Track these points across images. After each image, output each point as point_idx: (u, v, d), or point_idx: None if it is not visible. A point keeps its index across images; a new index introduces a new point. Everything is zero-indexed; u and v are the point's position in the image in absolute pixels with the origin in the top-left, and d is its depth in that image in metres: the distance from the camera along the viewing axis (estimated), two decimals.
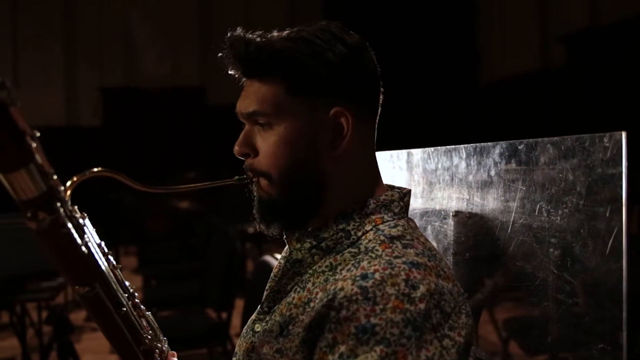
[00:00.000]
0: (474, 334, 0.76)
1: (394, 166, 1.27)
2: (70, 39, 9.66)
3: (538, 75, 7.56)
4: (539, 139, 0.89)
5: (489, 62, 8.85)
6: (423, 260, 0.75)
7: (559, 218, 0.85)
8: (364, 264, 0.75)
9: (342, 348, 0.68)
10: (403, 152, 1.24)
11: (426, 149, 1.16)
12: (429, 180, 1.15)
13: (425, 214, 1.15)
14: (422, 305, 0.69)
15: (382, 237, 0.79)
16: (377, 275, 0.71)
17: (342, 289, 0.71)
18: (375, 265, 0.73)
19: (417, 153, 1.19)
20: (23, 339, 3.16)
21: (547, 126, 6.63)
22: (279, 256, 2.14)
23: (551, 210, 0.86)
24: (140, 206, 6.94)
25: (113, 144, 9.43)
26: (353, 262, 0.77)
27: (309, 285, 0.81)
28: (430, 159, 1.14)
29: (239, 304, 3.17)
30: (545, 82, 7.35)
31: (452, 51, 8.77)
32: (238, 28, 0.83)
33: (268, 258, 2.14)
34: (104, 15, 9.88)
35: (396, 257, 0.74)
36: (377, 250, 0.77)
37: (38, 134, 0.61)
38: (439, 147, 1.12)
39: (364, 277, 0.71)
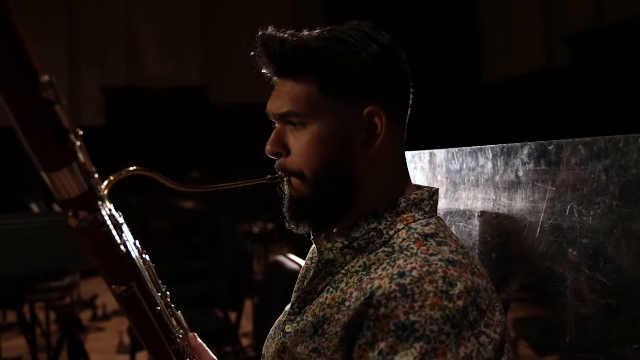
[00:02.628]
0: (506, 332, 0.76)
1: (416, 166, 1.26)
2: (72, 39, 9.66)
3: (542, 75, 7.56)
4: (570, 140, 0.89)
5: (493, 62, 8.85)
6: (458, 258, 0.75)
7: (590, 219, 0.85)
8: (400, 262, 0.75)
9: (382, 345, 0.69)
10: (425, 152, 1.24)
11: (450, 149, 1.15)
12: (452, 180, 1.15)
13: (449, 213, 1.15)
14: (460, 303, 0.69)
15: (415, 235, 0.79)
16: (414, 273, 0.71)
17: (379, 287, 0.72)
18: (411, 263, 0.73)
19: (440, 153, 1.19)
20: (33, 338, 3.15)
21: (551, 127, 6.63)
22: (291, 256, 2.15)
23: (582, 210, 0.86)
24: (143, 206, 6.94)
25: (116, 144, 9.43)
26: (388, 260, 0.77)
27: (342, 285, 0.81)
28: (454, 159, 1.14)
29: (246, 304, 3.17)
30: (549, 83, 7.34)
31: (455, 51, 8.77)
32: (269, 27, 0.83)
33: (281, 258, 2.14)
34: (106, 15, 9.88)
35: (432, 254, 0.74)
36: (412, 248, 0.77)
37: (81, 132, 0.61)
38: (464, 148, 1.12)
39: (401, 274, 0.71)
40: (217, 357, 0.98)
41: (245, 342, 3.72)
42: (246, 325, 3.78)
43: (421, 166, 1.25)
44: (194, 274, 4.36)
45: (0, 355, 2.67)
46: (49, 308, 3.67)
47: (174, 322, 0.85)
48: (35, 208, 3.86)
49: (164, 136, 9.94)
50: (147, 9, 10.07)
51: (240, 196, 6.18)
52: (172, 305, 0.86)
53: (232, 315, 3.13)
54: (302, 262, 2.02)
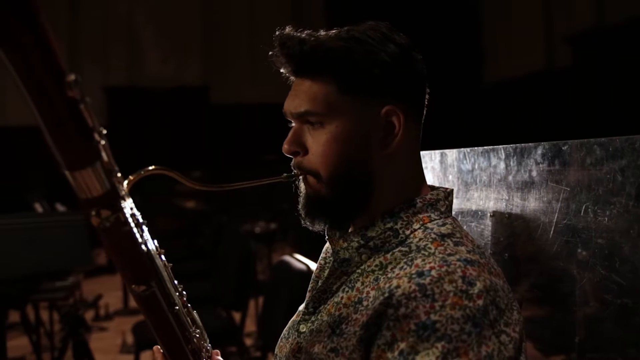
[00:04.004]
0: (524, 331, 0.76)
1: (426, 166, 1.26)
2: (74, 38, 9.66)
3: (544, 75, 7.56)
4: (585, 140, 0.89)
5: (495, 62, 8.85)
6: (476, 258, 0.75)
7: (606, 219, 0.85)
8: (418, 261, 0.75)
9: (402, 345, 0.69)
10: (436, 153, 1.24)
11: (461, 149, 1.15)
12: (464, 180, 1.15)
13: (460, 213, 1.15)
14: (480, 302, 0.69)
15: (432, 235, 0.79)
16: (433, 273, 0.71)
17: (398, 286, 0.72)
18: (430, 262, 0.73)
19: (451, 153, 1.19)
20: (37, 338, 3.15)
21: (553, 127, 6.63)
22: (298, 256, 2.15)
23: (598, 211, 0.86)
24: (145, 206, 6.92)
25: (117, 143, 9.39)
26: (405, 260, 0.77)
27: (358, 284, 0.81)
28: (466, 159, 1.14)
29: (250, 304, 3.17)
30: (551, 83, 7.35)
31: (457, 51, 8.78)
32: (287, 27, 0.83)
33: (287, 258, 2.14)
34: (107, 16, 9.89)
35: (449, 254, 0.75)
36: (430, 248, 0.77)
37: (105, 132, 0.61)
38: (476, 148, 1.12)
39: (420, 274, 0.72)
40: (221, 357, 0.97)
41: (248, 342, 3.72)
42: (250, 325, 3.78)
43: (432, 166, 1.25)
44: (197, 274, 4.35)
45: (4, 356, 2.66)
46: (52, 308, 3.67)
47: (190, 322, 0.85)
48: (38, 208, 3.86)
49: (164, 136, 9.94)
50: (148, 9, 10.07)
51: (242, 196, 6.17)
52: (189, 305, 0.86)
53: (236, 316, 3.13)
54: (308, 261, 2.03)
